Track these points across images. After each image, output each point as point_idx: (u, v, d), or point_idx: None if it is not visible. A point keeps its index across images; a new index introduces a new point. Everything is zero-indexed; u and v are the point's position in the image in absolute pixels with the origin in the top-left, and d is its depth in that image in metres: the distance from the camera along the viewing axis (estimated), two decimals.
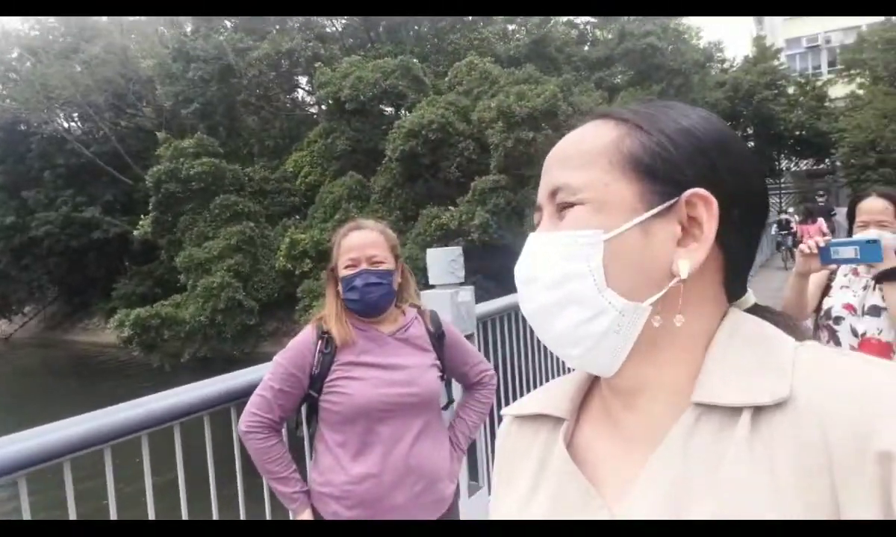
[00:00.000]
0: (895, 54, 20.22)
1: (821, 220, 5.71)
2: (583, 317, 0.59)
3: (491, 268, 16.29)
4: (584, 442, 0.66)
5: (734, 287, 0.63)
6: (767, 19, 33.93)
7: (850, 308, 2.41)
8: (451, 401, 2.24)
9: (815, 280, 2.51)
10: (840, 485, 0.48)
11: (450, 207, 16.82)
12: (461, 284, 2.94)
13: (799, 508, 0.49)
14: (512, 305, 3.39)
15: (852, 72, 23.30)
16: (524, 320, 3.45)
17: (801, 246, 2.26)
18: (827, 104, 25.36)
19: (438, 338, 2.04)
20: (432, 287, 2.92)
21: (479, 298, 3.12)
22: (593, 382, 0.69)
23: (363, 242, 1.93)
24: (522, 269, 0.64)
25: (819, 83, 26.72)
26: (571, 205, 0.61)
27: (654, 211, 0.59)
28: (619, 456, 0.62)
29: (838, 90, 24.73)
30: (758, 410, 0.53)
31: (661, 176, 0.59)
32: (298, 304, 16.67)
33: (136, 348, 17.33)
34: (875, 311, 2.35)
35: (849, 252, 2.09)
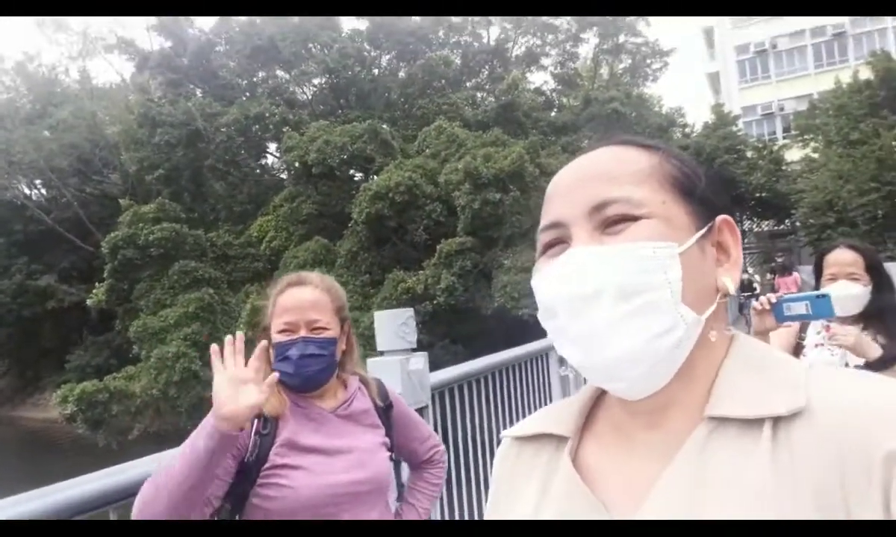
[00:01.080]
0: (846, 119, 21.07)
1: (796, 273, 5.73)
2: (656, 331, 0.58)
3: (459, 332, 15.94)
4: (591, 461, 0.65)
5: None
6: (724, 87, 35.48)
7: None
8: (401, 487, 1.90)
9: (781, 341, 2.39)
10: (851, 497, 0.50)
11: (417, 271, 16.54)
12: (413, 350, 2.61)
13: (813, 516, 0.50)
14: (471, 373, 3.06)
15: (806, 137, 24.20)
16: (486, 388, 3.18)
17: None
18: (784, 168, 26.18)
19: (385, 410, 1.76)
20: (381, 354, 2.59)
21: (448, 363, 2.96)
22: (597, 401, 0.69)
23: (302, 303, 1.61)
24: (576, 284, 0.59)
25: (776, 147, 27.65)
26: (633, 218, 0.60)
27: (704, 230, 0.63)
28: (630, 473, 0.61)
29: (794, 154, 25.64)
30: (776, 422, 0.55)
31: (698, 200, 0.63)
32: None
33: (81, 425, 16.28)
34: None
35: (800, 307, 2.03)
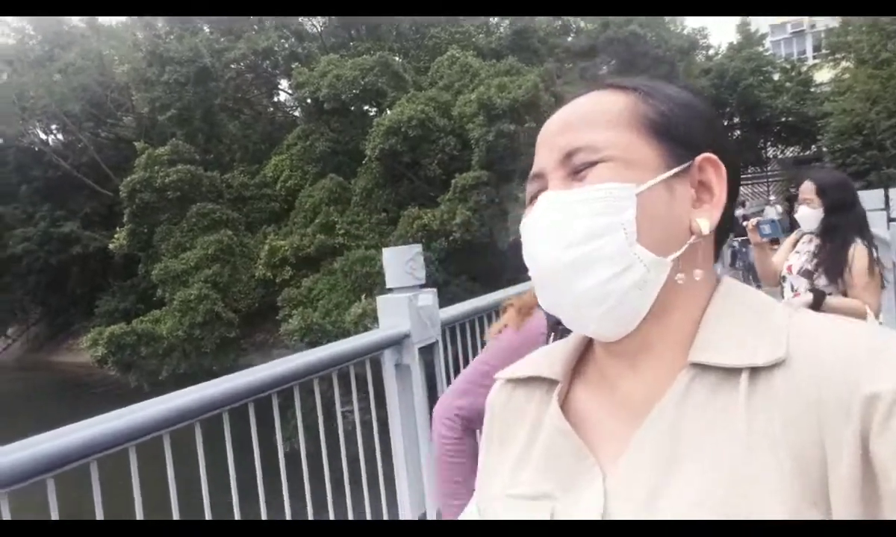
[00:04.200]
0: (879, 36, 20.00)
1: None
2: (611, 272, 0.59)
3: (476, 269, 15.94)
4: (579, 405, 0.66)
5: (717, 252, 0.66)
6: None
7: (790, 269, 3.03)
8: None
9: (786, 245, 3.18)
10: (828, 439, 0.50)
11: (433, 208, 16.44)
12: (422, 287, 2.62)
13: (789, 467, 0.51)
14: (483, 308, 3.03)
15: (837, 56, 23.06)
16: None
17: (746, 223, 3.16)
18: (812, 89, 25.12)
19: None
20: (390, 290, 2.60)
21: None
22: (587, 346, 0.70)
23: None
24: (540, 228, 0.62)
25: (804, 68, 26.47)
26: (594, 163, 0.61)
27: (677, 169, 0.62)
28: (616, 418, 0.62)
29: (824, 74, 24.51)
30: (755, 371, 0.55)
31: (677, 139, 0.62)
32: (279, 314, 16.26)
33: (112, 368, 16.82)
34: (807, 274, 2.93)
35: (766, 228, 2.95)
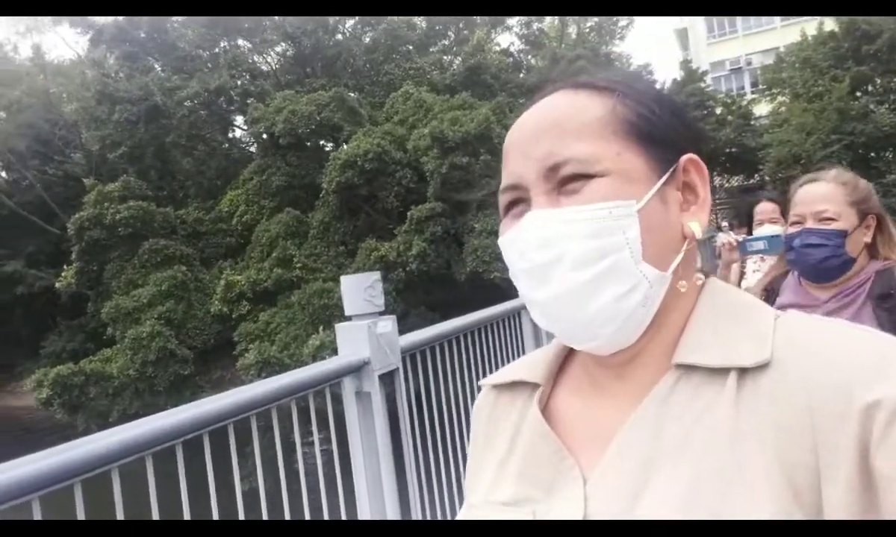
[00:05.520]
0: (811, 72, 21.26)
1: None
2: (620, 291, 0.57)
3: (434, 299, 16.00)
4: (562, 407, 0.66)
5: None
6: (692, 43, 35.42)
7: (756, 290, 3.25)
8: None
9: (735, 270, 3.30)
10: (822, 446, 0.49)
11: (390, 239, 16.50)
12: (381, 314, 2.59)
13: (777, 470, 0.49)
14: (444, 334, 3.02)
15: (773, 91, 24.38)
16: (458, 350, 3.20)
17: (723, 239, 3.17)
18: (752, 122, 26.40)
19: (882, 299, 1.71)
20: (348, 318, 2.58)
21: None
22: (571, 350, 0.69)
23: (811, 197, 1.77)
24: (538, 252, 0.58)
25: (744, 102, 27.84)
26: (587, 177, 0.58)
27: (666, 176, 0.60)
28: (600, 420, 0.61)
29: (762, 108, 25.87)
30: (742, 373, 0.54)
31: (660, 142, 0.60)
32: (236, 349, 15.90)
33: (59, 410, 16.09)
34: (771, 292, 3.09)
35: (759, 245, 2.69)
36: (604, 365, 0.63)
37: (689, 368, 0.57)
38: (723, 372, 0.55)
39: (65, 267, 19.57)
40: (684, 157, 0.62)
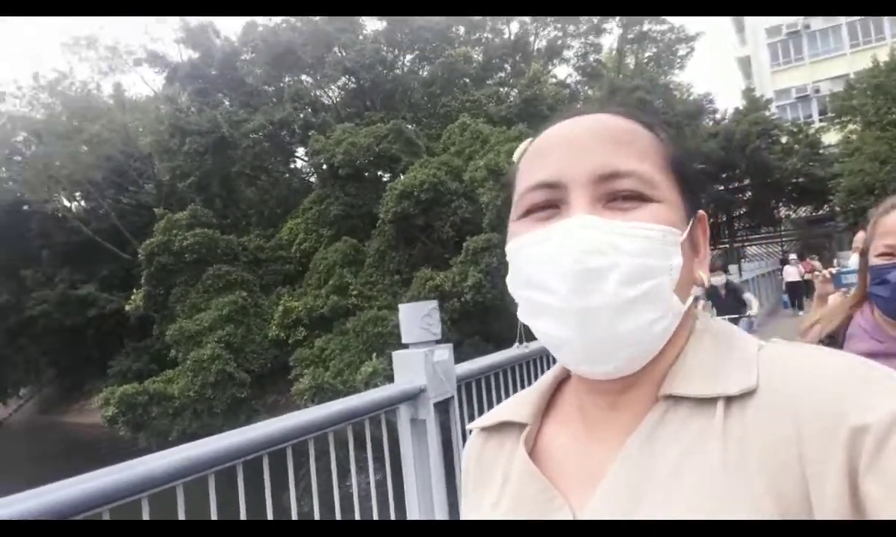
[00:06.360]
0: (884, 100, 20.36)
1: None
2: (652, 317, 0.56)
3: (489, 330, 15.90)
4: (551, 445, 0.65)
5: None
6: (755, 71, 34.55)
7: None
8: None
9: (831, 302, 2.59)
10: (811, 474, 0.48)
11: (445, 269, 16.57)
12: (437, 342, 2.61)
13: (768, 500, 0.49)
14: (496, 364, 3.03)
15: (843, 119, 23.45)
16: (511, 380, 3.17)
17: (818, 274, 2.92)
18: (821, 151, 25.41)
19: None
20: (405, 346, 2.61)
21: None
22: (560, 387, 0.69)
23: None
24: (591, 256, 0.55)
25: (811, 131, 26.87)
26: (642, 198, 0.58)
27: (693, 220, 0.62)
28: (590, 455, 0.61)
29: (831, 137, 24.86)
30: (728, 402, 0.54)
31: (689, 188, 0.63)
32: (291, 374, 16.20)
33: (123, 428, 16.73)
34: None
35: (852, 277, 2.34)
36: (599, 393, 0.62)
37: (677, 399, 0.57)
38: (710, 401, 0.55)
39: (134, 291, 20.54)
40: (701, 211, 0.64)
